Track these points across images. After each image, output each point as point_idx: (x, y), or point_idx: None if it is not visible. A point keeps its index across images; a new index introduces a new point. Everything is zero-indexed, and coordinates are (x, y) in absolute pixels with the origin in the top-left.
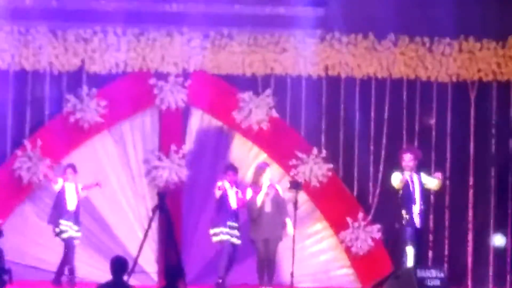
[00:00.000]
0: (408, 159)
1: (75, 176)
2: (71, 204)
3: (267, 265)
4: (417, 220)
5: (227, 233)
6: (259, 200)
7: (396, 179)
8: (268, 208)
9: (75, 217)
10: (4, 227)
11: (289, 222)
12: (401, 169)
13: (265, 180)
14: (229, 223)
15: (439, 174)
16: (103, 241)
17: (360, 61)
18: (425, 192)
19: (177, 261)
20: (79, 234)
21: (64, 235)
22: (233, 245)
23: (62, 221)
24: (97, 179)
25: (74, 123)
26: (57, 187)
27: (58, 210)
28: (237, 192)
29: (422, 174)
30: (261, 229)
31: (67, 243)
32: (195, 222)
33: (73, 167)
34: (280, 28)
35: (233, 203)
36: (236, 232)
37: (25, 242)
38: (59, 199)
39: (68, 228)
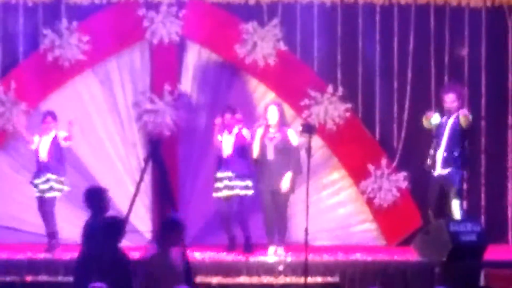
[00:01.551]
0: (450, 100)
1: (55, 124)
2: (41, 155)
3: (277, 221)
4: (438, 166)
5: (224, 187)
6: (255, 146)
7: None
8: (270, 155)
9: (53, 168)
10: None
11: (287, 175)
12: (442, 111)
13: (271, 120)
14: (221, 174)
15: (463, 111)
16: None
17: None
18: (456, 135)
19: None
20: (59, 187)
21: (37, 194)
22: (236, 198)
23: (34, 180)
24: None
25: (53, 62)
26: (33, 146)
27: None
28: (238, 135)
29: (462, 111)
30: (266, 179)
31: (38, 201)
32: (194, 173)
33: (52, 115)
34: None
35: (226, 150)
36: (236, 183)
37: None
38: (36, 156)
39: (39, 183)
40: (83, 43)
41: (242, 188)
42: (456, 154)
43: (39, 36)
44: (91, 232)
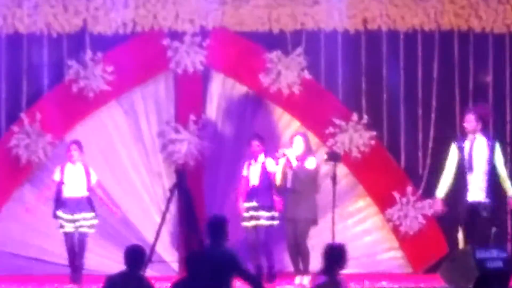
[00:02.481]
0: (468, 120)
1: (81, 155)
2: (71, 190)
3: (298, 251)
4: (472, 194)
5: (251, 218)
6: (277, 175)
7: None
8: (289, 183)
9: (82, 205)
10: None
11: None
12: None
13: (290, 150)
14: (247, 204)
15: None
16: (115, 226)
17: (403, 12)
18: (488, 161)
19: (200, 248)
20: (90, 223)
21: (62, 230)
22: (261, 228)
23: (59, 213)
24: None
25: (78, 93)
26: (57, 178)
27: (56, 200)
28: (264, 164)
29: (497, 147)
30: (286, 207)
31: (65, 238)
32: (220, 202)
33: (78, 144)
34: None
35: (253, 179)
36: (261, 213)
37: (25, 230)
38: (57, 187)
39: (65, 222)
40: (108, 73)
41: (268, 218)
42: (489, 180)
43: (63, 67)
44: (205, 261)
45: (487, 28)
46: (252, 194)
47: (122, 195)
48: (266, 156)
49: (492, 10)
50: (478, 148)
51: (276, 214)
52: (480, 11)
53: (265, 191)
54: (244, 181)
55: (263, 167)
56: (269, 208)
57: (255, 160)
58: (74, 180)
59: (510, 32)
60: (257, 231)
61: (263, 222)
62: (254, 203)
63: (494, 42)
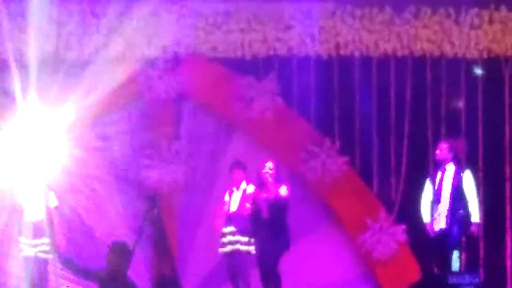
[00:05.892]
0: (440, 149)
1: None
2: (32, 214)
3: (273, 280)
4: (439, 222)
5: (228, 243)
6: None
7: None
8: (265, 213)
9: (41, 230)
10: None
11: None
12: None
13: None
14: (226, 229)
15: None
16: (89, 253)
17: (376, 38)
18: (458, 190)
19: (172, 274)
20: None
21: (22, 253)
22: (238, 254)
23: (20, 238)
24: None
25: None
26: None
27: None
28: (244, 192)
29: (467, 174)
30: (260, 236)
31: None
32: (193, 228)
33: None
34: (283, 2)
35: (233, 205)
36: (238, 238)
37: None
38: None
39: (26, 246)
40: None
41: (244, 243)
42: (458, 208)
43: None
44: None
45: (459, 53)
46: (231, 219)
47: (96, 221)
48: (247, 183)
49: (465, 35)
50: (446, 178)
51: (252, 240)
52: (452, 36)
53: (244, 216)
54: (224, 206)
55: (244, 194)
56: (246, 233)
57: (237, 187)
58: (32, 203)
59: (483, 57)
60: (234, 256)
61: (238, 246)
62: (232, 228)
63: (467, 68)
